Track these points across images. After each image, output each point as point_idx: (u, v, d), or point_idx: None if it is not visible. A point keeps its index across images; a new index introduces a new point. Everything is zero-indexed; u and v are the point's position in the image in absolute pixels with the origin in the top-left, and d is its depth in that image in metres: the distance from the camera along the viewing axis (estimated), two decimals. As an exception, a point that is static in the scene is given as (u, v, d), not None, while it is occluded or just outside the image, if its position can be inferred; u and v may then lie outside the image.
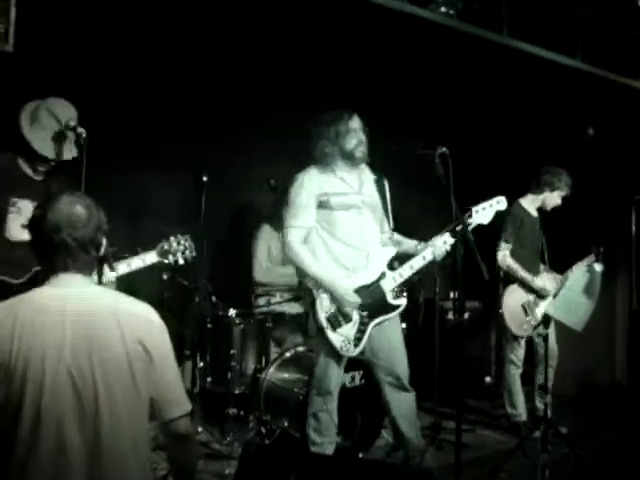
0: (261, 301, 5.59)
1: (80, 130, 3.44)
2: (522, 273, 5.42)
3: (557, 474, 4.45)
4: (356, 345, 3.99)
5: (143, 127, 5.37)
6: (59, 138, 3.55)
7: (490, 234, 5.43)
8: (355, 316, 4.00)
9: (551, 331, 5.28)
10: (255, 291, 5.65)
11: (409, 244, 4.21)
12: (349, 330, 3.98)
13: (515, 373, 5.57)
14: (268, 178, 5.13)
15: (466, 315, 6.76)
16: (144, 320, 2.21)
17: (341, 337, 3.96)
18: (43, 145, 3.56)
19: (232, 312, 4.99)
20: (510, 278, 5.48)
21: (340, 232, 4.02)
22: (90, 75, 4.98)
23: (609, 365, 7.08)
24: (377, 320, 4.05)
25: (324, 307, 3.98)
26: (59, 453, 2.03)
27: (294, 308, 5.50)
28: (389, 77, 6.05)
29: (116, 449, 2.10)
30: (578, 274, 4.56)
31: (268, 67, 5.77)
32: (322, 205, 4.01)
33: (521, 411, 5.57)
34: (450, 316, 6.57)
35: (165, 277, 4.87)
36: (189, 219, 4.84)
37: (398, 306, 4.12)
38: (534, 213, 5.61)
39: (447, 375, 5.42)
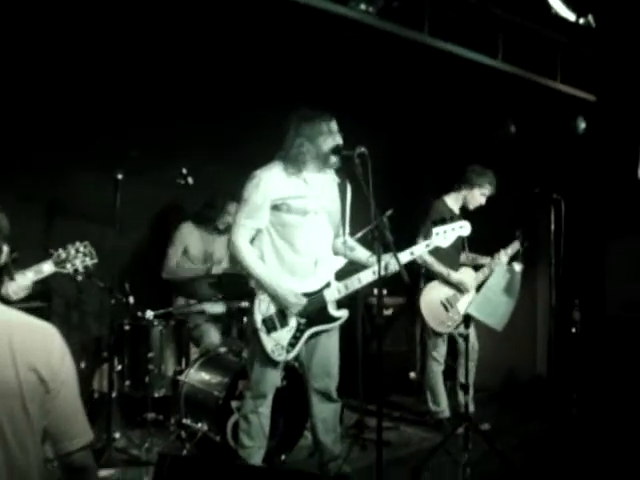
0: (181, 300, 5.46)
1: None
2: (438, 267, 5.40)
3: (478, 472, 4.49)
4: (288, 351, 3.92)
5: (59, 123, 5.19)
6: None
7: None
8: (292, 322, 3.93)
9: (471, 328, 5.31)
10: (175, 290, 5.51)
11: (362, 253, 4.12)
12: (284, 335, 3.91)
13: (437, 370, 5.59)
14: (183, 174, 4.96)
15: (390, 311, 6.79)
16: (41, 346, 1.98)
17: (274, 341, 3.89)
18: None
19: (149, 314, 4.84)
20: (430, 274, 5.48)
21: (291, 237, 3.92)
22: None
23: (531, 359, 7.22)
24: (314, 329, 3.98)
25: (262, 309, 3.90)
26: None
27: (215, 307, 5.41)
28: (308, 75, 5.99)
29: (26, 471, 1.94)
30: (498, 274, 4.58)
31: (182, 62, 5.63)
32: (277, 208, 3.89)
33: (444, 407, 5.60)
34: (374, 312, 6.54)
35: (80, 278, 4.68)
36: (109, 219, 4.66)
37: (338, 318, 4.04)
38: (456, 211, 5.59)
39: (371, 372, 5.42)
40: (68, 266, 3.66)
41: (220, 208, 5.49)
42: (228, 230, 5.34)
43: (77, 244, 3.69)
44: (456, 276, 5.46)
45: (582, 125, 6.57)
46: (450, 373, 5.81)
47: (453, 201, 5.61)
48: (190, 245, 5.53)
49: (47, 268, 3.62)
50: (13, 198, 4.65)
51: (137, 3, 4.68)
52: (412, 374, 6.86)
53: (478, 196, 5.55)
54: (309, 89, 5.75)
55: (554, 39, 5.25)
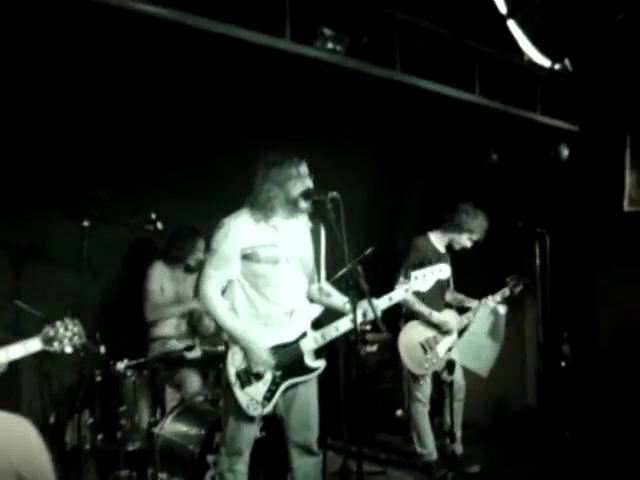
0: (156, 346, 5.29)
1: None
2: (419, 307, 5.25)
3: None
4: (264, 405, 3.73)
5: (25, 169, 5.05)
6: None
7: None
8: (267, 375, 3.74)
9: (458, 368, 5.14)
10: (149, 335, 5.33)
11: (338, 299, 3.94)
12: (259, 389, 3.73)
13: (422, 411, 5.40)
14: (151, 219, 4.82)
15: (375, 347, 6.63)
16: (18, 444, 1.79)
17: (248, 396, 3.70)
18: None
19: (121, 366, 4.65)
20: (411, 313, 5.32)
21: (263, 287, 3.75)
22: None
23: (520, 393, 7.06)
24: (291, 381, 3.80)
25: (235, 362, 3.73)
26: None
27: (193, 352, 5.23)
28: (283, 117, 5.90)
29: None
30: (482, 318, 4.43)
31: (151, 104, 5.51)
32: (247, 257, 3.73)
33: (431, 450, 5.42)
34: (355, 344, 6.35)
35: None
36: (77, 264, 4.50)
37: (316, 369, 3.86)
38: (441, 249, 5.46)
39: (354, 411, 5.25)
40: (55, 344, 3.42)
41: (189, 246, 5.38)
42: (199, 267, 5.24)
43: (67, 321, 3.46)
44: (438, 317, 5.28)
45: (565, 152, 6.46)
46: (437, 408, 5.63)
47: (438, 239, 5.46)
48: (164, 285, 5.37)
49: (33, 346, 3.37)
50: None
51: (102, 44, 4.51)
52: (399, 412, 6.66)
53: (465, 240, 5.40)
54: (283, 131, 5.64)
55: (532, 70, 5.12)
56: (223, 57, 4.22)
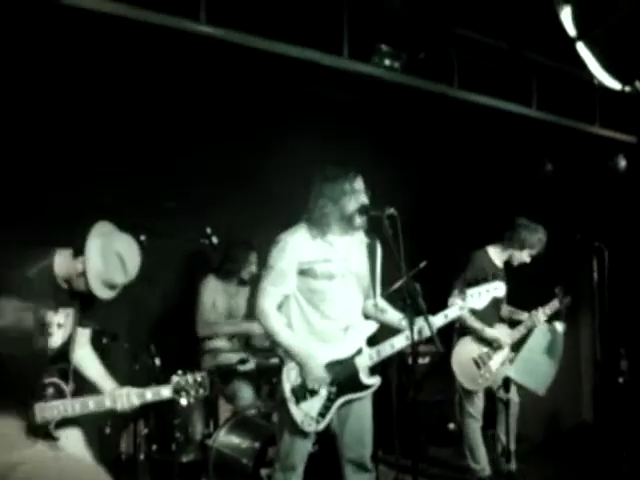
0: (209, 358, 5.31)
1: None
2: (472, 322, 5.18)
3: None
4: (318, 422, 3.71)
5: (82, 181, 5.10)
6: None
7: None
8: (322, 391, 3.72)
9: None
10: (202, 348, 5.36)
11: (393, 315, 3.92)
12: (314, 405, 3.71)
13: (475, 427, 5.33)
14: (207, 234, 4.85)
15: (427, 359, 6.56)
16: None
17: (303, 412, 3.69)
18: None
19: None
20: (463, 328, 5.26)
21: (319, 303, 3.74)
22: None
23: (576, 407, 6.93)
24: (345, 398, 3.78)
25: (290, 378, 3.71)
26: None
27: (246, 364, 5.24)
28: (337, 131, 5.88)
29: None
30: (539, 334, 4.34)
31: (208, 118, 5.56)
32: (304, 273, 3.72)
33: (484, 466, 5.33)
34: (409, 361, 6.31)
35: (105, 341, 4.56)
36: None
37: (370, 386, 3.84)
38: (499, 264, 5.38)
39: (407, 424, 5.20)
40: (183, 395, 3.50)
41: (243, 260, 5.38)
42: (252, 280, 5.26)
43: (196, 374, 3.52)
44: (491, 332, 5.21)
45: (622, 163, 6.33)
46: (490, 421, 5.55)
47: (497, 254, 5.38)
48: (216, 300, 5.39)
49: (165, 393, 3.47)
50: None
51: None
52: (451, 425, 6.58)
53: (526, 256, 5.32)
54: (338, 144, 5.62)
55: (590, 81, 5.02)
56: (279, 72, 4.23)
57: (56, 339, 3.32)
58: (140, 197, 5.28)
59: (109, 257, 3.24)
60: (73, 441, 3.35)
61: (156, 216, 4.74)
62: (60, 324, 3.33)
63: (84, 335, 3.54)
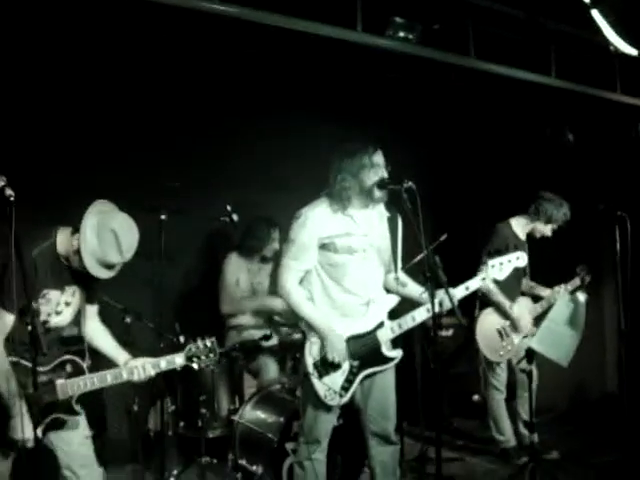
0: (233, 334, 5.36)
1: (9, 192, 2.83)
2: (499, 297, 5.19)
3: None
4: (342, 395, 3.75)
5: (103, 164, 5.16)
6: None
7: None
8: (345, 365, 3.75)
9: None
10: (226, 324, 5.41)
11: (414, 289, 3.91)
12: (336, 379, 3.74)
13: (499, 398, 5.37)
14: (227, 212, 4.86)
15: (450, 331, 6.56)
16: None
17: (326, 386, 3.72)
18: None
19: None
20: (486, 300, 5.26)
21: (341, 277, 3.76)
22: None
23: (600, 377, 6.91)
24: (368, 371, 3.80)
25: (313, 353, 3.75)
26: None
27: (270, 340, 5.28)
28: (353, 105, 5.85)
29: None
30: (561, 305, 4.31)
31: (224, 97, 5.56)
32: (325, 247, 3.74)
33: (509, 437, 5.37)
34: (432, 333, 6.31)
35: (129, 320, 4.62)
36: (155, 257, 4.58)
37: (393, 358, 3.86)
38: (522, 236, 5.38)
39: (431, 396, 5.22)
40: (195, 361, 3.56)
41: (265, 237, 5.38)
42: (274, 257, 5.28)
43: (206, 340, 3.57)
44: (516, 311, 5.22)
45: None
46: (513, 393, 5.55)
47: (521, 227, 5.38)
48: (239, 277, 5.42)
49: (179, 361, 3.54)
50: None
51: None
52: (475, 396, 6.58)
53: (549, 230, 5.32)
54: (359, 120, 5.60)
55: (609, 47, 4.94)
56: (298, 49, 4.21)
57: (65, 316, 3.37)
58: (143, 176, 5.31)
59: (104, 235, 3.22)
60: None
61: (160, 195, 4.75)
62: (68, 302, 3.37)
63: (92, 311, 3.57)
